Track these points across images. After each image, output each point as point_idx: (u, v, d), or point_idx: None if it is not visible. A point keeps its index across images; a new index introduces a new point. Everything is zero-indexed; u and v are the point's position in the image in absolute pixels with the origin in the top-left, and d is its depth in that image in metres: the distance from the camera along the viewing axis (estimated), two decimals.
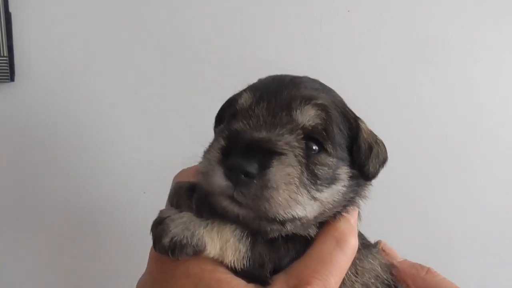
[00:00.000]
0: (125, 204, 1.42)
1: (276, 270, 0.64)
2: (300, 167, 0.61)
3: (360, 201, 0.75)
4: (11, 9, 1.23)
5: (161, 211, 0.65)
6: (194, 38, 1.38)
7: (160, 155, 1.41)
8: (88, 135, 1.38)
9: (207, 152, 0.62)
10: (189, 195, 0.66)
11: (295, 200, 0.59)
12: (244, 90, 0.69)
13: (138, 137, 1.41)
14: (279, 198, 0.57)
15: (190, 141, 1.47)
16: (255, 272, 0.63)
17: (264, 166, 0.56)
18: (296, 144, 0.62)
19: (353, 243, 0.66)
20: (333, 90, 0.76)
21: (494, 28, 1.50)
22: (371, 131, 0.75)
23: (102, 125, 1.39)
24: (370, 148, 0.72)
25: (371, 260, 0.75)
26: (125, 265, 1.45)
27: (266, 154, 0.57)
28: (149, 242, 0.75)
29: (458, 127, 1.55)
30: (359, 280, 0.71)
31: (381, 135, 1.57)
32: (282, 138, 0.60)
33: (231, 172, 0.56)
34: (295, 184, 0.59)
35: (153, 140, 1.42)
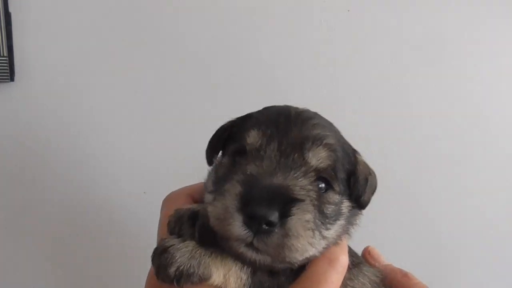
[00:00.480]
0: (125, 204, 1.42)
1: None
2: (314, 210, 0.63)
3: (352, 229, 0.77)
4: (11, 9, 1.23)
5: (162, 240, 0.65)
6: (195, 39, 1.38)
7: (160, 155, 1.42)
8: (88, 135, 1.38)
9: (221, 196, 0.61)
10: (192, 223, 0.66)
11: (311, 244, 0.61)
12: (251, 127, 0.68)
13: (138, 137, 1.41)
14: (299, 245, 0.59)
15: (189, 142, 1.48)
16: None
17: (284, 214, 0.57)
18: (310, 187, 0.63)
19: (344, 261, 0.70)
20: (331, 122, 0.77)
21: (494, 28, 1.50)
22: (365, 162, 0.78)
23: (102, 125, 1.39)
24: (366, 180, 0.74)
25: (361, 279, 0.78)
26: (125, 265, 1.45)
27: (285, 201, 0.58)
28: (149, 242, 0.75)
29: (458, 127, 1.55)
30: None
31: (381, 135, 1.58)
32: (298, 182, 0.62)
33: (252, 221, 0.57)
34: (312, 229, 0.61)
35: (153, 140, 1.42)
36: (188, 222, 0.66)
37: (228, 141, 0.76)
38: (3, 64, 1.24)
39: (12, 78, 1.27)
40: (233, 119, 0.80)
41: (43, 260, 1.46)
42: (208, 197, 0.68)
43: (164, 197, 0.83)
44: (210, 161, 0.80)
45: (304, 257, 0.62)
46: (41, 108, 1.34)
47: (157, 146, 1.42)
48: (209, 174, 0.77)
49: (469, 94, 1.54)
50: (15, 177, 1.38)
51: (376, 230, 1.58)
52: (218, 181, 0.70)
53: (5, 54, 1.23)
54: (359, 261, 0.84)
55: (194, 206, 0.71)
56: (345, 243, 0.74)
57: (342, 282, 0.71)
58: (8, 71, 1.25)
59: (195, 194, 0.79)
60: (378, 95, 1.49)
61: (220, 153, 0.79)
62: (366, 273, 0.81)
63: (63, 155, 1.38)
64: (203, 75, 1.41)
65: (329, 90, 1.48)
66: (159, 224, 0.78)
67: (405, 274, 0.87)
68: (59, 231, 1.44)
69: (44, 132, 1.36)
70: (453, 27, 1.48)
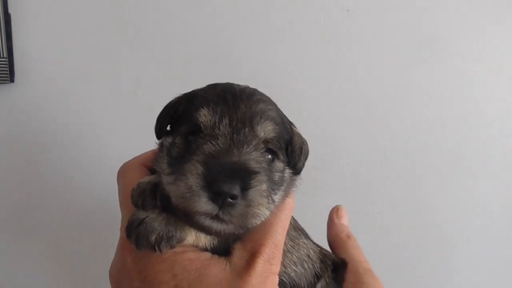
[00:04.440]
0: None
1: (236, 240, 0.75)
2: (267, 180, 0.69)
3: (293, 188, 0.84)
4: (10, 10, 1.23)
5: (134, 214, 0.71)
6: (194, 39, 1.38)
7: None
8: (87, 135, 1.38)
9: (183, 176, 0.65)
10: (153, 195, 0.72)
11: (268, 209, 0.68)
12: (201, 106, 0.72)
13: (137, 138, 1.40)
14: (259, 212, 0.65)
15: None
16: (221, 247, 0.73)
17: (245, 187, 0.63)
18: (262, 159, 0.70)
19: (289, 203, 0.79)
20: (269, 97, 0.82)
21: (494, 27, 1.50)
22: (299, 133, 0.85)
23: (102, 125, 1.39)
24: (301, 149, 0.82)
25: (305, 241, 0.90)
26: None
27: (244, 175, 0.64)
28: None
29: (458, 127, 1.55)
30: (295, 253, 0.85)
31: (380, 135, 1.58)
32: (251, 156, 0.68)
33: (218, 197, 0.62)
34: (266, 196, 0.67)
35: (152, 141, 1.41)
36: (150, 194, 0.72)
37: (174, 117, 0.81)
38: (3, 65, 1.24)
39: (12, 79, 1.27)
40: (179, 95, 0.84)
41: (43, 260, 1.46)
42: (167, 179, 0.70)
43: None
44: (159, 136, 0.85)
45: (261, 221, 0.68)
46: (40, 109, 1.34)
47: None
48: (160, 156, 0.79)
49: (469, 93, 1.53)
50: (15, 177, 1.38)
51: (376, 230, 1.58)
52: (174, 162, 0.73)
53: (5, 55, 1.24)
54: (301, 228, 0.94)
55: (153, 178, 0.76)
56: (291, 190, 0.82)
57: (291, 238, 0.84)
58: (8, 72, 1.25)
59: (147, 162, 0.85)
60: (378, 95, 1.49)
61: (167, 132, 0.83)
62: (308, 241, 0.91)
63: (63, 155, 1.38)
64: (203, 75, 1.40)
65: (329, 89, 1.48)
66: (120, 196, 0.84)
67: (348, 236, 0.95)
68: (59, 230, 1.44)
69: (43, 133, 1.36)
70: (453, 27, 1.48)
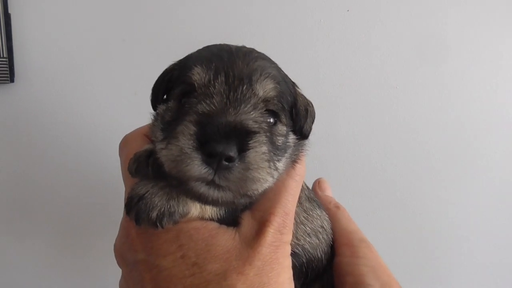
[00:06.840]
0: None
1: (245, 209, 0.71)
2: (268, 142, 0.63)
3: (302, 154, 0.78)
4: (10, 10, 1.23)
5: (134, 189, 0.66)
6: (195, 38, 1.38)
7: None
8: (87, 135, 1.38)
9: (174, 139, 0.59)
10: (148, 163, 0.67)
11: (270, 174, 0.61)
12: (194, 64, 0.67)
13: None
14: (259, 176, 0.59)
15: None
16: (229, 218, 0.69)
17: (242, 149, 0.57)
18: (261, 119, 0.63)
19: (299, 169, 0.75)
20: (268, 56, 0.76)
21: (494, 28, 1.50)
22: (303, 95, 0.79)
23: (102, 125, 1.39)
24: (306, 111, 0.77)
25: (319, 213, 0.86)
26: None
27: (241, 135, 0.58)
28: None
29: (458, 127, 1.55)
30: (309, 225, 0.81)
31: (380, 135, 1.57)
32: (250, 116, 0.61)
33: (212, 159, 0.56)
34: (268, 160, 0.61)
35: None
36: (145, 161, 0.67)
37: (169, 84, 0.75)
38: (2, 65, 1.24)
39: (12, 79, 1.27)
40: (174, 62, 0.79)
41: (43, 260, 1.46)
42: (160, 145, 0.63)
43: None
44: (154, 107, 0.79)
45: (263, 188, 0.62)
46: (40, 109, 1.34)
47: None
48: (154, 125, 0.73)
49: (470, 93, 1.53)
50: (15, 177, 1.38)
51: (376, 230, 1.58)
52: (167, 126, 0.67)
53: (5, 55, 1.23)
54: (316, 199, 0.90)
55: (150, 146, 0.71)
56: (301, 154, 0.77)
57: (305, 210, 0.81)
58: (8, 72, 1.25)
59: (150, 134, 0.78)
60: (378, 95, 1.49)
61: (163, 100, 0.78)
62: (324, 212, 0.88)
63: (63, 155, 1.38)
64: None
65: (329, 90, 1.48)
66: (122, 169, 0.79)
67: (337, 206, 0.93)
68: (59, 230, 1.44)
69: (43, 133, 1.36)
70: (453, 27, 1.48)
